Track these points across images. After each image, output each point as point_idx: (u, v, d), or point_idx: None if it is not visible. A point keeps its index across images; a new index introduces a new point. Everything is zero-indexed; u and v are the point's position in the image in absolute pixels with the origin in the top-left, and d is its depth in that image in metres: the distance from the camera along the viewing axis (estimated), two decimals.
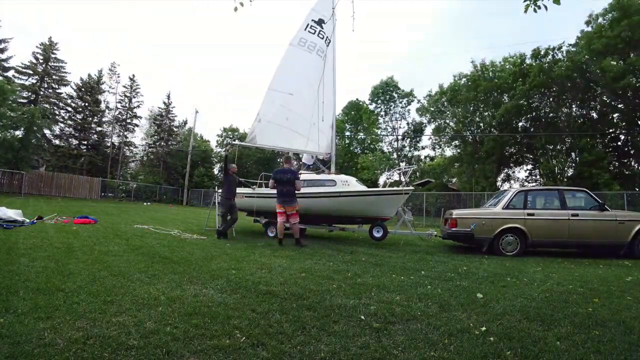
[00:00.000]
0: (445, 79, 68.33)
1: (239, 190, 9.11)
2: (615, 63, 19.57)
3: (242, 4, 3.87)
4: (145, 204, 27.72)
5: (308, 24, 9.84)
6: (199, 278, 3.92)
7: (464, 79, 28.63)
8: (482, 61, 27.86)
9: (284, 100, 9.31)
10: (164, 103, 42.33)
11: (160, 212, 17.53)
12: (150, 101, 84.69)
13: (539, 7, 3.37)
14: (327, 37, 10.03)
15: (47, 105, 32.20)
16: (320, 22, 9.96)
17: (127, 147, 40.91)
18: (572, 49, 22.70)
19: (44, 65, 33.26)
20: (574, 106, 24.24)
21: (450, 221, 7.31)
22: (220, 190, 9.08)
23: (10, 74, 30.29)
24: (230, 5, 3.86)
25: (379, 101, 37.67)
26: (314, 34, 9.84)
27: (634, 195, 15.91)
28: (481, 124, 29.16)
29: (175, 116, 43.69)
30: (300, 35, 9.74)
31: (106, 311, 2.72)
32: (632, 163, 22.93)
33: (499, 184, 27.84)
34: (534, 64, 24.45)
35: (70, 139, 35.59)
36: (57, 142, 34.98)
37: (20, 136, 24.09)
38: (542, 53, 24.22)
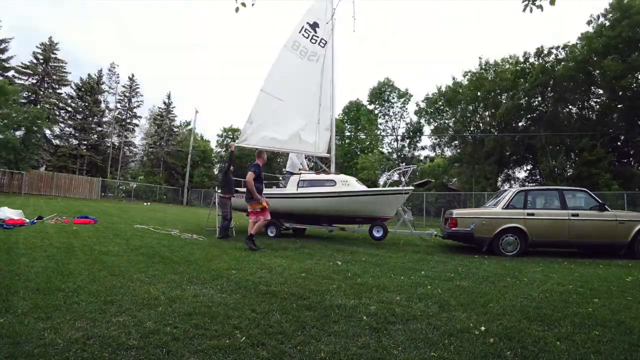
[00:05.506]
0: (444, 81, 68.38)
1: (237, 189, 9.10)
2: (614, 62, 19.66)
3: (244, 5, 3.85)
4: (145, 204, 27.70)
5: (303, 27, 9.76)
6: (199, 278, 3.92)
7: (466, 77, 28.65)
8: (487, 60, 27.99)
9: (275, 104, 9.31)
10: (164, 103, 42.49)
11: (160, 212, 17.53)
12: (151, 101, 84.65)
13: (537, 7, 3.40)
14: (321, 39, 9.94)
15: (47, 106, 32.22)
16: (314, 26, 9.88)
17: (127, 147, 40.96)
18: (575, 49, 22.84)
19: (44, 66, 33.28)
20: (573, 107, 24.28)
21: (450, 221, 7.31)
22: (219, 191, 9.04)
23: (10, 74, 30.31)
24: (232, 5, 3.84)
25: (377, 102, 37.71)
26: (307, 38, 9.77)
27: (634, 195, 15.91)
28: (481, 124, 29.16)
29: (176, 116, 43.89)
30: (294, 37, 9.67)
31: (106, 311, 2.72)
32: (632, 163, 22.92)
33: (499, 184, 27.80)
34: (536, 63, 24.64)
35: (70, 139, 35.62)
36: (57, 142, 35.01)
37: (20, 136, 24.09)
38: (545, 52, 24.44)
